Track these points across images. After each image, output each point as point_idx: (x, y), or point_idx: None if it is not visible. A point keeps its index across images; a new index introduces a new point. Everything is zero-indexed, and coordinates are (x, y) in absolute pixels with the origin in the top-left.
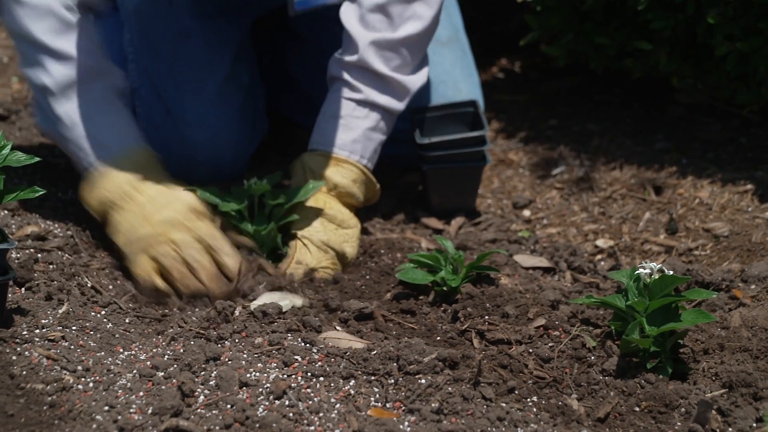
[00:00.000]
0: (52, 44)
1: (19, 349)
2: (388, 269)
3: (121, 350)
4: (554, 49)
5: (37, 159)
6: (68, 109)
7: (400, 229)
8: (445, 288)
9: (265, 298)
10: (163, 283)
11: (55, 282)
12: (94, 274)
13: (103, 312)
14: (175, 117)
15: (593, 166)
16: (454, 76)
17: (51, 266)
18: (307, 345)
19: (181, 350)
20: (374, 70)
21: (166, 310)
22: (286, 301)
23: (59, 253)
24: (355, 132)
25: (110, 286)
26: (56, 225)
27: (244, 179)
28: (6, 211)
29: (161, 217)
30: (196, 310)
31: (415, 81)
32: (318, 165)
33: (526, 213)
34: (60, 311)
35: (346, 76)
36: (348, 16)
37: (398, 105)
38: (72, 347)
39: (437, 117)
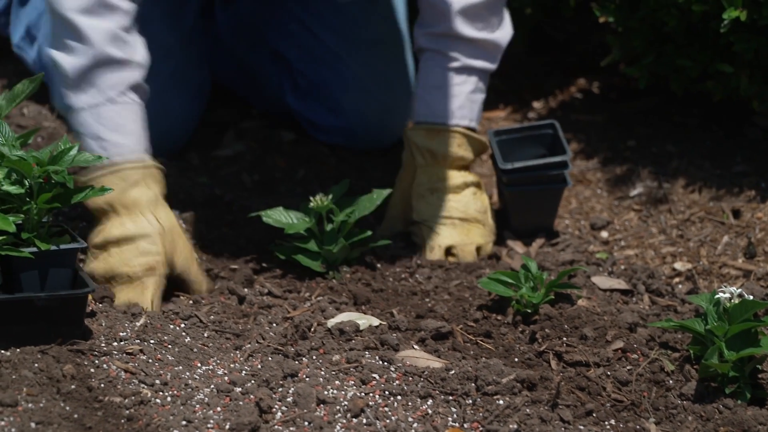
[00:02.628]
0: (77, 21)
1: (97, 361)
2: (467, 289)
3: (199, 365)
4: (635, 70)
5: (106, 158)
6: (79, 98)
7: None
8: (525, 306)
9: (343, 317)
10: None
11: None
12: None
13: (182, 325)
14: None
15: (671, 188)
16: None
17: None
18: (385, 363)
19: (259, 366)
20: (465, 37)
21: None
22: (363, 320)
23: None
24: (459, 99)
25: (187, 297)
26: None
27: (310, 196)
28: (86, 223)
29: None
30: (274, 325)
31: (504, 36)
32: (421, 138)
33: (604, 234)
34: (138, 324)
35: (439, 47)
36: None
37: (493, 64)
38: (150, 361)
39: (516, 139)
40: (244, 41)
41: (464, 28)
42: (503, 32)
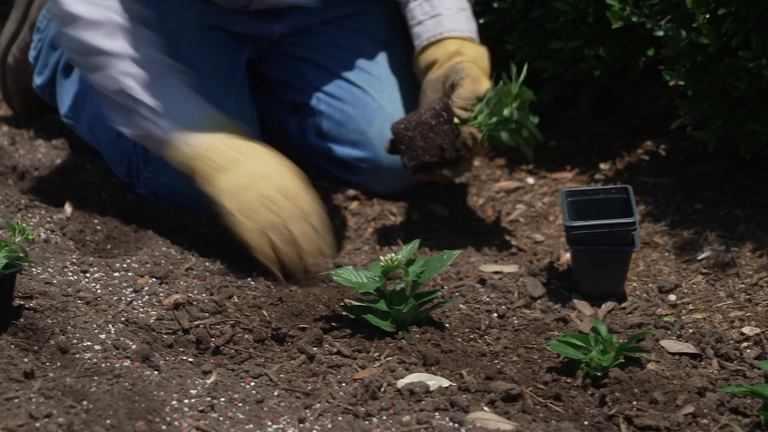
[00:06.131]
0: (107, 47)
1: (168, 418)
2: (536, 351)
3: (270, 423)
4: (704, 133)
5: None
6: (149, 95)
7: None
8: (594, 369)
9: (412, 377)
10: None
11: (203, 353)
12: (241, 343)
13: (252, 383)
14: None
15: (739, 252)
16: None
17: (198, 335)
18: (456, 425)
19: (329, 425)
20: None
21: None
22: (433, 381)
23: (206, 321)
24: (473, 22)
25: (257, 355)
26: (203, 294)
27: (381, 256)
28: (154, 279)
29: (269, 184)
30: (343, 384)
31: None
32: (473, 52)
33: (672, 297)
34: (209, 381)
35: None
36: None
37: None
38: (221, 419)
39: (588, 201)
40: (262, 98)
41: None
42: None
